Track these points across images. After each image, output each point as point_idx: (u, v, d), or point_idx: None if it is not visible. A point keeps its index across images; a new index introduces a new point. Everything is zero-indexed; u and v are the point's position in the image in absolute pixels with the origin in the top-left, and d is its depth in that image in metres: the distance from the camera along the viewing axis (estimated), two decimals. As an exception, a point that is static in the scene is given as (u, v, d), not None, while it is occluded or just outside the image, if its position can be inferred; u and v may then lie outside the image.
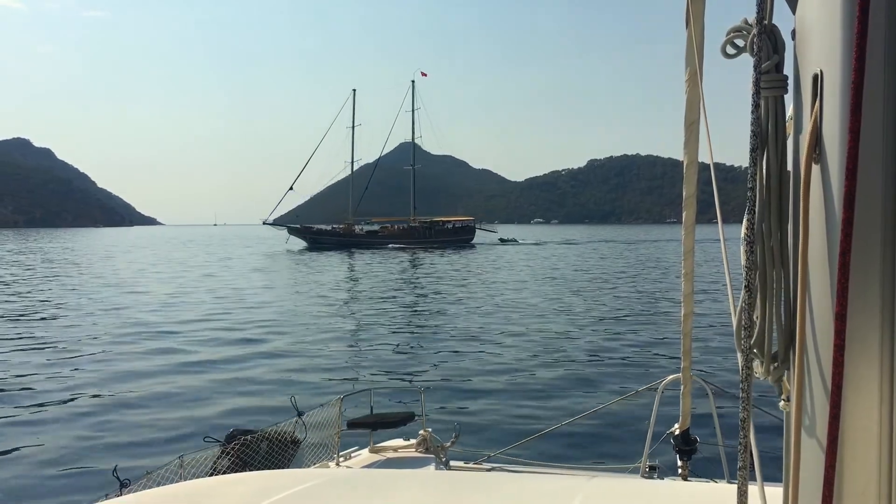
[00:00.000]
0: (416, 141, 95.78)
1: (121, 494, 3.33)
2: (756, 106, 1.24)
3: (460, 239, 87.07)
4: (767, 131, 1.25)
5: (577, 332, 18.04)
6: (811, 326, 1.18)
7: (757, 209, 1.25)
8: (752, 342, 1.28)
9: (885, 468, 1.12)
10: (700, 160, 2.85)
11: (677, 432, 4.08)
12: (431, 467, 4.74)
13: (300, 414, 5.05)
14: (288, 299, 26.90)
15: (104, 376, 13.06)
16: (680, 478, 4.12)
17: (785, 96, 1.26)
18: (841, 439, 1.11)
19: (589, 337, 17.17)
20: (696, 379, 4.01)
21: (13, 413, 10.63)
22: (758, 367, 1.31)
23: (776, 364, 1.30)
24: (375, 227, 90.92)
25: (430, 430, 5.03)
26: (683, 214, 3.06)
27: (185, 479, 3.84)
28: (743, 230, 1.24)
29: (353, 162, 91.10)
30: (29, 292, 30.14)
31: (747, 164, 1.24)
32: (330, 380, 12.67)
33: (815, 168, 1.17)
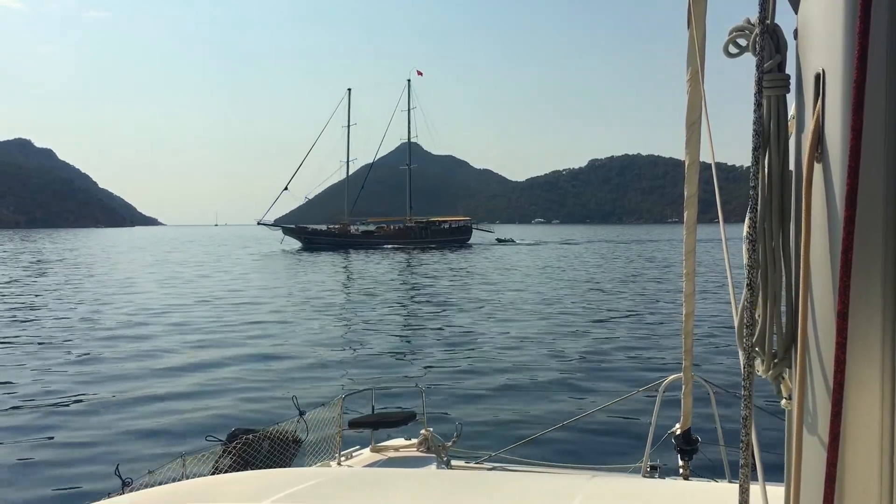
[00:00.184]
0: (416, 141, 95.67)
1: (123, 493, 3.34)
2: (758, 105, 1.24)
3: (457, 239, 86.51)
4: (770, 130, 1.26)
5: (578, 331, 18.03)
6: (813, 325, 1.18)
7: (759, 208, 1.25)
8: (753, 340, 1.28)
9: (886, 466, 1.12)
10: (701, 159, 2.85)
11: (678, 432, 4.08)
12: (433, 467, 4.73)
13: (302, 413, 5.06)
14: (288, 299, 26.90)
15: (106, 376, 13.08)
16: (681, 478, 4.11)
17: (787, 95, 1.27)
18: (842, 437, 1.11)
19: (590, 337, 17.17)
20: (698, 378, 4.00)
21: (15, 412, 10.66)
22: (759, 366, 1.32)
23: (777, 362, 1.30)
24: (371, 228, 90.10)
25: (431, 429, 5.03)
26: (685, 214, 3.06)
27: (186, 478, 3.84)
28: (745, 229, 1.24)
29: (347, 162, 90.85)
30: (30, 293, 30.21)
31: (749, 164, 1.24)
32: (331, 380, 12.68)
33: (817, 167, 1.17)
